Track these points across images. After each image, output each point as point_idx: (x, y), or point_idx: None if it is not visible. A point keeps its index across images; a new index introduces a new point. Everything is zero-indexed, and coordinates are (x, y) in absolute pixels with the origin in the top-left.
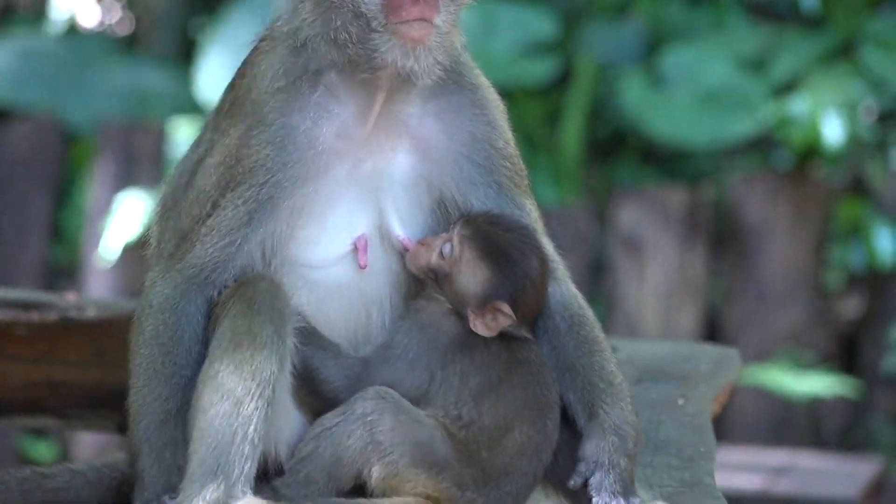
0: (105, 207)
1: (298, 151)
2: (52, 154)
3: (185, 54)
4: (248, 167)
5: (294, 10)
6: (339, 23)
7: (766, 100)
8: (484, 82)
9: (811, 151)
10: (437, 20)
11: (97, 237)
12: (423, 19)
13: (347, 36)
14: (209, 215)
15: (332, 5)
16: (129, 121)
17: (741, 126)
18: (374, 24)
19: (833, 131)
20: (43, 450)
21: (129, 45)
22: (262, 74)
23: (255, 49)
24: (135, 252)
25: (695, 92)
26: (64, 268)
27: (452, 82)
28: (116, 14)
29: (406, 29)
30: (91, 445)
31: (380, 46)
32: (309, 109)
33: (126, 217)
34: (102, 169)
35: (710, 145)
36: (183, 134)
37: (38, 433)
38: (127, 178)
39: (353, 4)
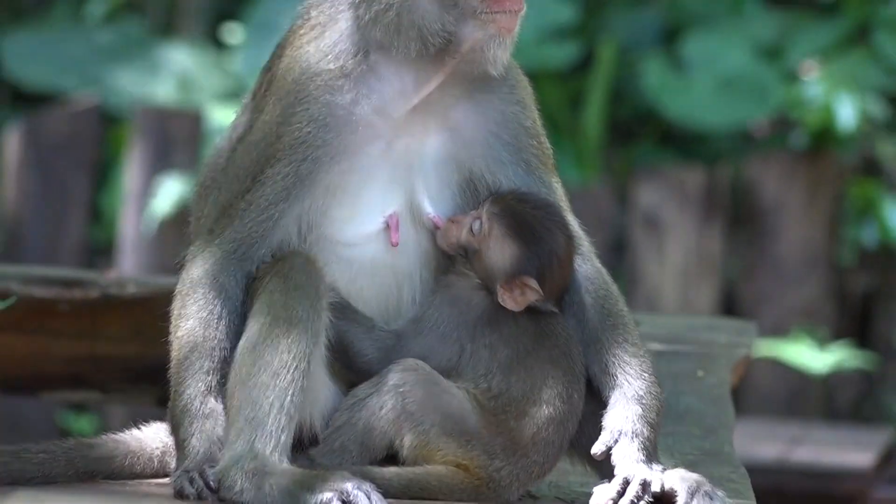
0: (143, 189)
1: (337, 129)
2: (92, 137)
3: (219, 39)
4: (287, 144)
5: None
6: (430, 9)
7: (781, 85)
8: (513, 63)
9: (825, 133)
10: (524, 10)
11: (135, 217)
12: (517, 11)
13: (440, 24)
14: (248, 190)
15: None
16: (166, 105)
17: (757, 110)
18: (470, 11)
19: (846, 114)
20: (83, 424)
21: (166, 30)
22: (308, 55)
23: (290, 32)
24: (170, 231)
25: (713, 76)
26: (103, 247)
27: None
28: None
29: (502, 19)
30: (128, 420)
31: (470, 35)
32: (351, 89)
33: (163, 198)
34: (140, 151)
35: (728, 128)
36: (218, 117)
37: (78, 408)
38: (164, 160)
39: None
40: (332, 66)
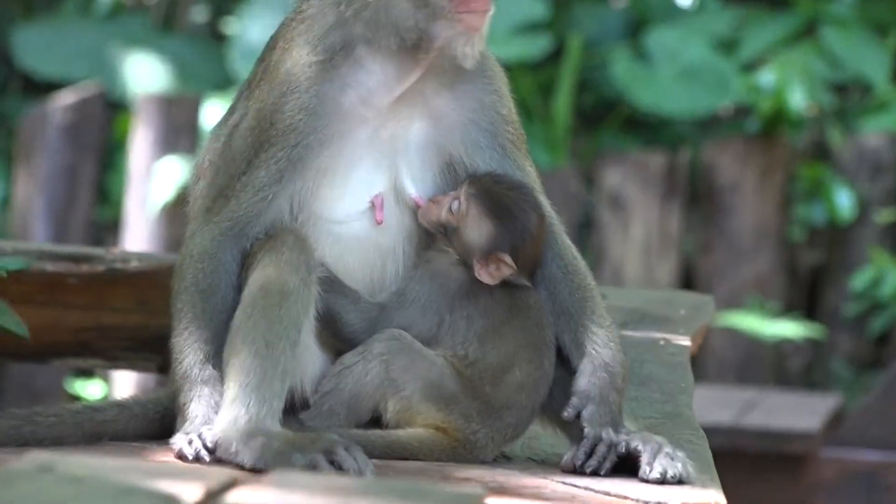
0: (145, 171)
1: (327, 117)
2: (98, 123)
3: (217, 31)
4: (280, 130)
5: None
6: (403, 8)
7: (738, 75)
8: (490, 55)
9: (777, 119)
10: (491, 10)
11: (139, 198)
12: (484, 10)
13: (413, 21)
14: (244, 173)
15: None
16: (167, 92)
17: (715, 98)
18: (440, 11)
19: (796, 102)
20: (91, 388)
21: (167, 23)
22: (297, 48)
23: (284, 25)
24: (171, 211)
25: (674, 67)
26: (109, 225)
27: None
28: None
29: (470, 18)
30: (132, 385)
31: (441, 33)
32: (338, 80)
33: (164, 180)
34: (143, 137)
35: (688, 115)
36: (216, 104)
37: (86, 374)
38: (165, 144)
39: None
40: (320, 57)
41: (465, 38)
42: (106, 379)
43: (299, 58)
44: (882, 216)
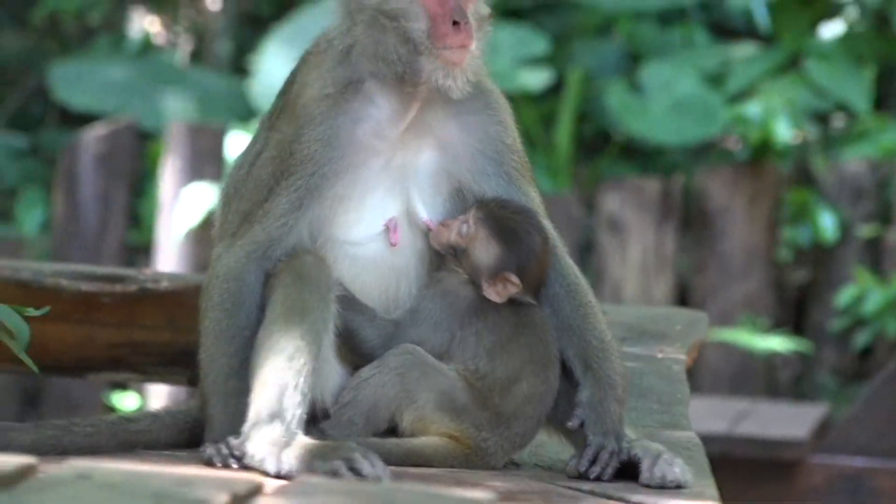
0: (174, 197)
1: (341, 148)
2: (130, 152)
3: (240, 67)
4: (299, 160)
5: (346, 31)
6: (389, 45)
7: (726, 106)
8: (495, 88)
9: (764, 147)
10: (473, 46)
11: (168, 222)
12: (463, 46)
13: (396, 56)
14: (266, 200)
15: (384, 29)
16: (194, 123)
17: (705, 129)
18: (420, 48)
19: (782, 131)
20: (126, 400)
21: (193, 59)
22: (312, 83)
23: (302, 61)
24: (199, 234)
25: (667, 99)
26: (140, 248)
27: (471, 88)
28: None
29: (448, 54)
30: (165, 397)
31: (424, 67)
32: (350, 113)
33: (191, 205)
34: (172, 165)
35: (680, 143)
36: (239, 135)
37: (122, 386)
38: (193, 172)
39: (403, 30)
40: (332, 91)
41: (445, 72)
42: (140, 391)
43: (314, 92)
44: (865, 231)
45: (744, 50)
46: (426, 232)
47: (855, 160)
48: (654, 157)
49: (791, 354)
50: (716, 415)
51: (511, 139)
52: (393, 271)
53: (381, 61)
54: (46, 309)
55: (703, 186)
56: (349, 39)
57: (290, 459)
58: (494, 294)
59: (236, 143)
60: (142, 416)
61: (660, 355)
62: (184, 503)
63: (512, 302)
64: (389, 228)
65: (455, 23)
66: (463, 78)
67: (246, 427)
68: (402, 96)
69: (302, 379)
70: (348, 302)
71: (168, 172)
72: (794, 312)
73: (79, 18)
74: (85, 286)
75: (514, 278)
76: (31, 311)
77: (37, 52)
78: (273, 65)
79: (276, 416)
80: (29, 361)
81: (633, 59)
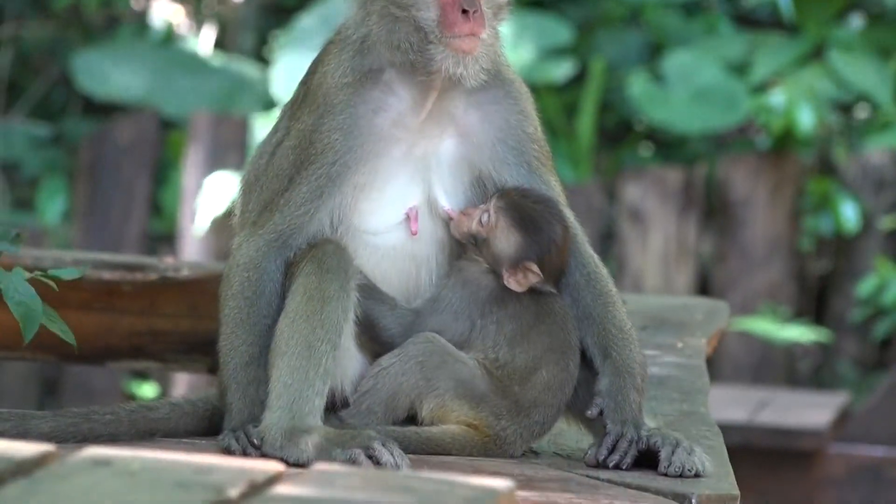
0: (197, 186)
1: (362, 137)
2: (153, 142)
3: (263, 56)
4: (319, 149)
5: (361, 20)
6: (401, 33)
7: (749, 96)
8: (516, 77)
9: (787, 137)
10: (483, 34)
11: (190, 211)
12: (472, 34)
13: (409, 45)
14: (286, 189)
15: (396, 19)
16: (217, 113)
17: (727, 118)
18: (430, 36)
19: (805, 121)
20: (145, 389)
21: (216, 48)
22: (332, 72)
23: (323, 51)
24: (220, 223)
25: (689, 89)
26: (162, 237)
27: (491, 78)
28: (205, 22)
29: (458, 42)
30: (185, 385)
31: (435, 55)
32: (370, 102)
33: (214, 194)
34: (194, 154)
35: (703, 133)
36: (261, 124)
37: (141, 375)
38: (215, 161)
39: (413, 19)
40: (351, 79)
41: (455, 60)
42: (160, 380)
43: (333, 81)
44: (885, 222)
45: (767, 40)
46: (447, 221)
47: (877, 151)
48: (677, 146)
49: (811, 344)
50: (736, 404)
51: (532, 128)
52: (413, 260)
53: (395, 50)
54: (81, 271)
55: (725, 176)
56: (364, 29)
57: (308, 448)
58: (515, 283)
59: (258, 131)
60: (161, 404)
61: (680, 345)
62: (202, 491)
63: (532, 291)
64: (410, 217)
65: (465, 11)
66: (475, 66)
67: (265, 415)
68: (420, 85)
69: (321, 367)
70: (368, 290)
71: (190, 162)
72: (814, 302)
73: (102, 7)
74: (106, 274)
75: (535, 267)
76: (64, 273)
77: (60, 41)
78: (296, 54)
79: (294, 404)
80: (68, 334)
81: (655, 49)
